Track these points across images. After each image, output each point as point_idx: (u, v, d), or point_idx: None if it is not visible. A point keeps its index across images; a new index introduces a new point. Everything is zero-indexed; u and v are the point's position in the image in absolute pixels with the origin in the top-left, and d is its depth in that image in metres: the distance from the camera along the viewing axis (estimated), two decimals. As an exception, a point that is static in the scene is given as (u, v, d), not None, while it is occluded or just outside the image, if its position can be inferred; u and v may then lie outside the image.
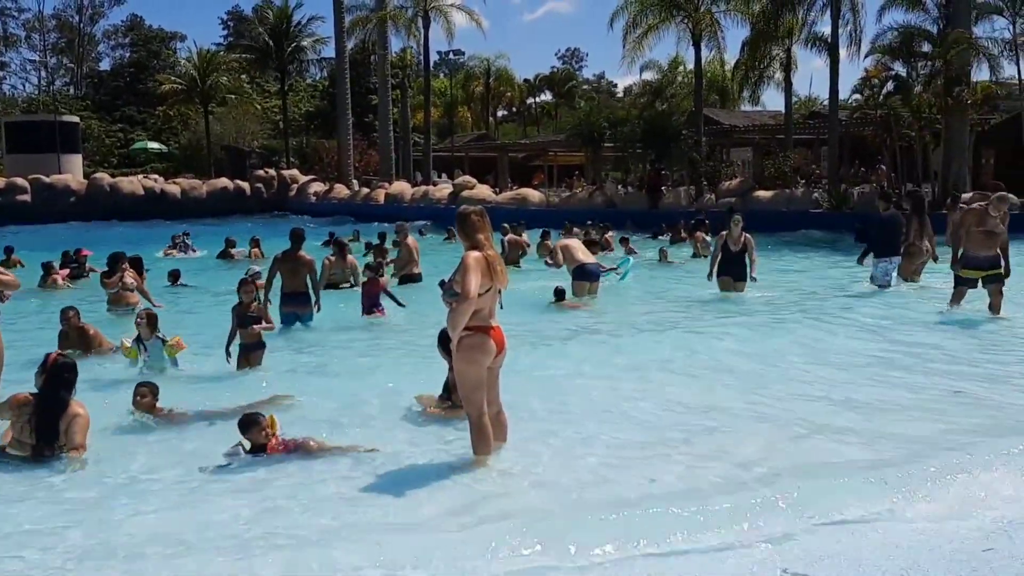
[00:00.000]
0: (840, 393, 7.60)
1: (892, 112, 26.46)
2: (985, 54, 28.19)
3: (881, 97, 27.66)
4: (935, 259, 14.24)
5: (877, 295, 13.20)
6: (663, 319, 12.09)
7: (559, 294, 13.45)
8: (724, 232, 13.80)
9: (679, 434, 6.58)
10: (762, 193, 29.04)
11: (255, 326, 8.96)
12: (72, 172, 43.75)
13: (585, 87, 77.96)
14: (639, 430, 6.74)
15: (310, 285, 11.35)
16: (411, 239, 14.89)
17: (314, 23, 54.26)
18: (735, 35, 68.52)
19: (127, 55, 77.91)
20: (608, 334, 11.02)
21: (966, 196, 26.32)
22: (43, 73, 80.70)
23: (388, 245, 18.46)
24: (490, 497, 5.34)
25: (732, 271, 13.63)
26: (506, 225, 20.54)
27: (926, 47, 28.13)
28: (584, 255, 14.24)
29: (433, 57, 51.88)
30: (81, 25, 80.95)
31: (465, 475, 5.76)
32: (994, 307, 10.79)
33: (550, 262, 14.50)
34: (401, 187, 38.53)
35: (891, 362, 8.76)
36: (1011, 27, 26.48)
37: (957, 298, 10.99)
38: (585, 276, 13.97)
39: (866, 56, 29.34)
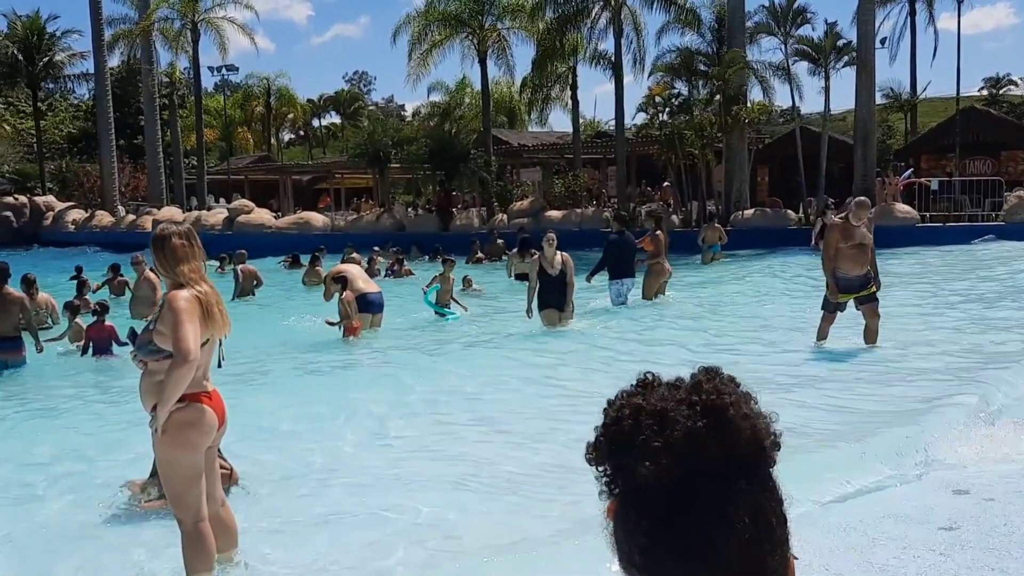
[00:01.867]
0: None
1: (676, 130, 26.70)
2: (757, 76, 29.05)
3: (665, 116, 27.91)
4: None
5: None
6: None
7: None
8: (536, 254, 11.68)
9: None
10: (553, 213, 28.59)
11: None
12: None
13: (372, 108, 76.32)
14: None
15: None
16: (151, 273, 12.60)
17: (70, 36, 49.63)
18: (522, 54, 69.15)
19: None
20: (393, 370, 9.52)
21: (747, 213, 27.03)
22: None
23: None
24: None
25: (555, 300, 11.43)
26: (241, 252, 18.40)
27: (704, 67, 28.69)
28: (366, 284, 12.64)
29: (213, 77, 48.62)
30: None
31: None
32: (870, 332, 9.47)
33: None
34: (170, 213, 35.25)
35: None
36: (783, 47, 27.32)
37: (825, 327, 9.66)
38: (367, 307, 12.39)
39: (649, 75, 29.66)
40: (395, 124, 40.30)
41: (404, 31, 31.88)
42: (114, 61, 44.58)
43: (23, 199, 42.01)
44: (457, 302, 14.41)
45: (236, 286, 16.62)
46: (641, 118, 29.97)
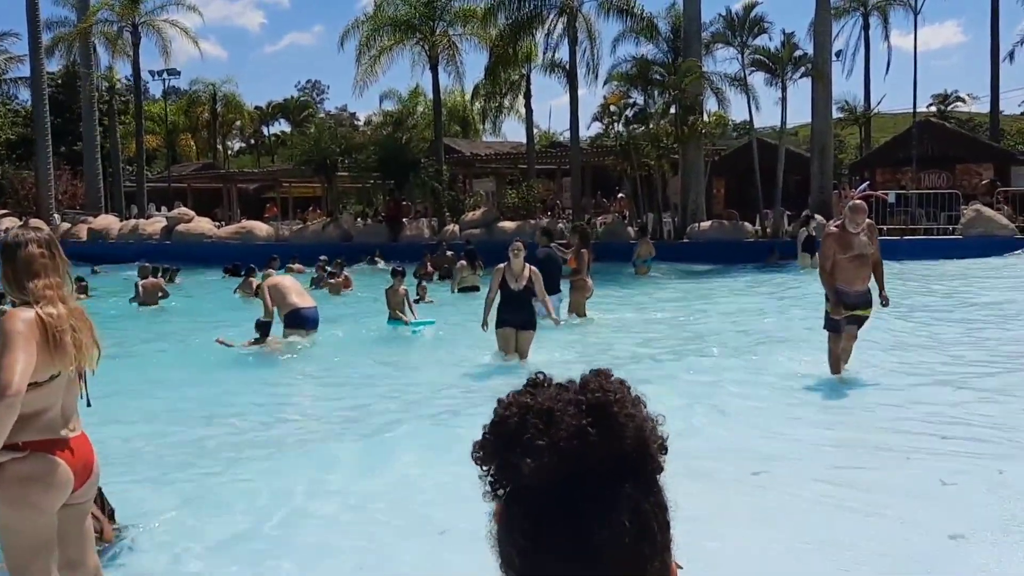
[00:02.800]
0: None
1: (631, 141, 26.09)
2: (713, 88, 28.57)
3: (620, 126, 27.32)
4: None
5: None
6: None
7: (261, 328, 11.04)
8: (500, 266, 9.91)
9: None
10: (507, 224, 27.77)
11: None
12: None
13: (323, 117, 75.06)
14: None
15: None
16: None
17: (7, 39, 47.83)
18: (474, 61, 68.48)
19: None
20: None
21: (704, 225, 26.48)
22: None
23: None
24: None
25: (516, 318, 9.81)
26: (144, 265, 18.18)
27: (660, 77, 28.11)
28: (299, 297, 11.70)
29: (155, 81, 47.11)
30: None
31: None
32: (844, 352, 8.50)
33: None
34: (107, 221, 33.93)
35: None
36: (739, 57, 26.86)
37: (835, 350, 8.40)
38: (301, 323, 11.47)
39: (604, 84, 29.04)
40: (344, 132, 39.23)
41: (352, 36, 30.99)
42: (53, 65, 43.18)
43: (-48, 207, 40.32)
44: (402, 316, 13.47)
45: (136, 296, 16.98)
46: (596, 128, 29.42)
